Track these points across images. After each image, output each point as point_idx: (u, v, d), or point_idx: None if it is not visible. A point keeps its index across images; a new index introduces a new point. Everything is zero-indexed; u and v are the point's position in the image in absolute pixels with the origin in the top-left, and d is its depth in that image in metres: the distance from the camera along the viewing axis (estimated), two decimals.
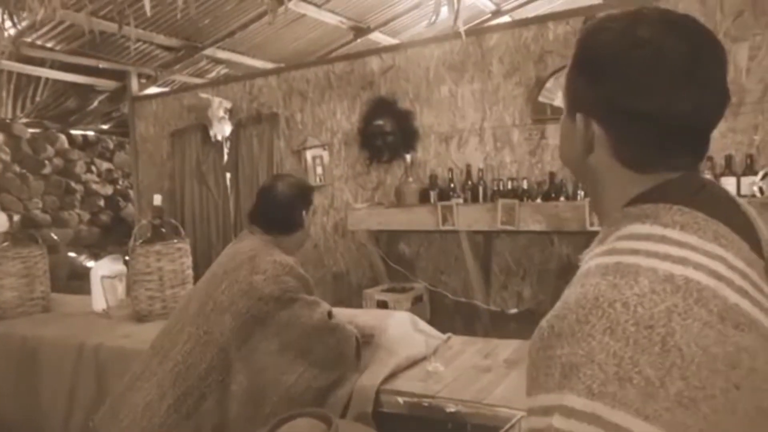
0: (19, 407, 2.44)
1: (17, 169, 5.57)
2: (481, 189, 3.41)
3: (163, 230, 2.63)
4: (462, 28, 2.08)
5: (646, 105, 0.66)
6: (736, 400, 0.53)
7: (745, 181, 2.68)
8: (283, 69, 4.56)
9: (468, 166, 3.47)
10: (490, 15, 6.22)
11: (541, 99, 3.28)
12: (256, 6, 4.99)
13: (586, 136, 0.71)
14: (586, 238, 3.15)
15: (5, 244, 2.93)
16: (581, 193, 3.07)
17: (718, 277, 0.59)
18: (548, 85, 3.24)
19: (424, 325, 2.12)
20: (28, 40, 4.70)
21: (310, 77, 4.22)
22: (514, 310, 3.44)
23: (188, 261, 2.60)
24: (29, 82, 5.31)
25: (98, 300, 2.71)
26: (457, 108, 3.60)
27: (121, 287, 2.73)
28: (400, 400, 1.52)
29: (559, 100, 3.23)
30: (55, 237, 5.47)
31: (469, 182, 3.44)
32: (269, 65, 5.80)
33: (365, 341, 1.71)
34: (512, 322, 3.45)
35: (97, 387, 2.20)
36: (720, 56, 0.69)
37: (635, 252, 0.61)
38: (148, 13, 2.29)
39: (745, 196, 2.65)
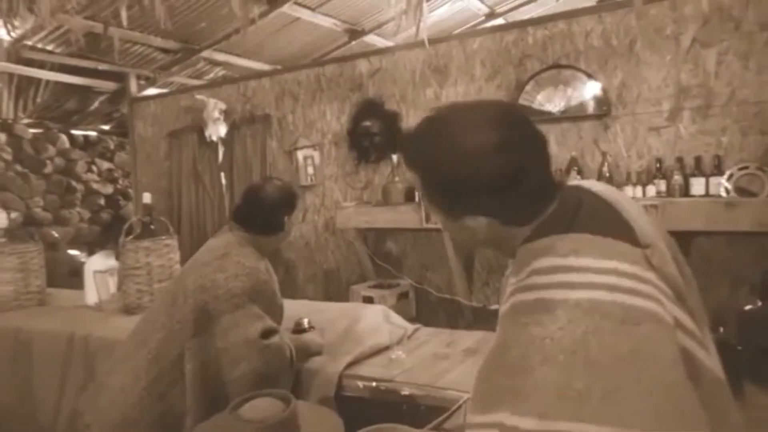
0: (13, 395, 2.56)
1: (19, 168, 5.71)
2: None
3: (152, 227, 2.74)
4: (425, 39, 2.17)
5: (500, 192, 0.83)
6: (646, 384, 0.67)
7: (713, 181, 2.77)
8: (275, 71, 4.67)
9: None
10: (483, 18, 6.32)
11: (521, 101, 3.38)
12: (251, 9, 5.11)
13: (480, 226, 0.87)
14: None
15: (2, 240, 3.05)
16: None
17: (612, 288, 0.73)
18: (528, 87, 3.34)
19: (395, 317, 2.22)
20: (29, 43, 4.84)
21: (302, 79, 4.33)
22: (495, 306, 3.54)
23: (176, 257, 2.71)
24: (30, 83, 5.45)
25: (91, 294, 2.83)
26: None
27: (112, 282, 2.85)
28: (360, 384, 1.63)
29: (537, 103, 3.33)
30: (56, 235, 5.62)
31: None
32: (266, 67, 5.92)
33: (315, 352, 1.77)
34: (493, 317, 3.51)
35: (85, 375, 2.31)
36: (530, 134, 0.87)
37: (548, 287, 0.76)
38: (124, 23, 2.37)
39: (712, 196, 2.75)
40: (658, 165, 2.95)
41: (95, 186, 6.34)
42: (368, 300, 3.57)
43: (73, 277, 5.46)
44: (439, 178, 0.87)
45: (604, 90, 3.14)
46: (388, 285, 3.74)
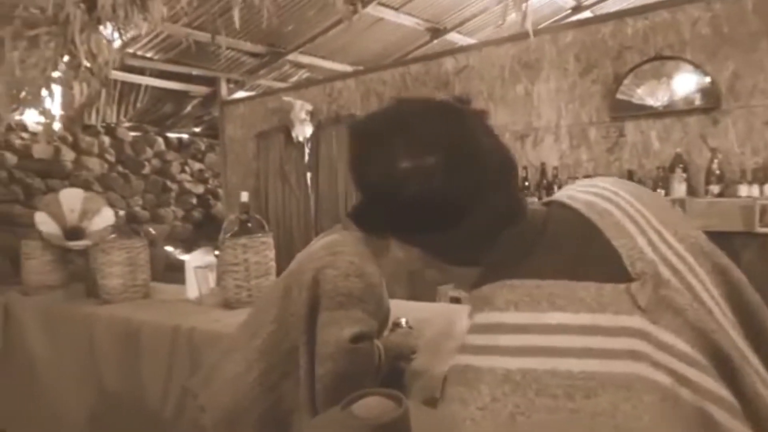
0: (123, 382, 2.72)
1: (120, 169, 6.09)
2: (556, 188, 3.38)
3: (249, 225, 2.83)
4: (530, 28, 2.10)
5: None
6: None
7: None
8: (360, 72, 4.72)
9: (543, 165, 3.46)
10: (570, 11, 6.10)
11: (619, 96, 3.22)
12: (335, 12, 5.20)
13: (410, 258, 0.73)
14: None
15: (112, 236, 3.25)
16: (662, 192, 2.99)
17: (557, 352, 0.57)
18: (626, 81, 3.18)
19: None
20: (131, 51, 5.15)
21: (387, 79, 4.34)
22: None
23: (271, 254, 2.78)
24: (131, 89, 5.80)
25: (192, 288, 2.95)
26: (533, 107, 3.60)
27: (211, 277, 2.96)
28: None
29: (637, 97, 3.16)
30: (154, 232, 5.94)
31: (544, 181, 3.43)
32: (349, 68, 5.99)
33: (406, 355, 1.73)
34: None
35: (190, 365, 2.40)
36: (478, 156, 0.68)
37: (478, 351, 0.61)
38: (237, 26, 2.46)
39: None
40: None
41: (188, 186, 6.65)
42: (455, 301, 3.52)
43: (169, 271, 5.77)
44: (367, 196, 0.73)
45: (713, 81, 2.93)
46: None
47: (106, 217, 3.72)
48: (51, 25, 2.33)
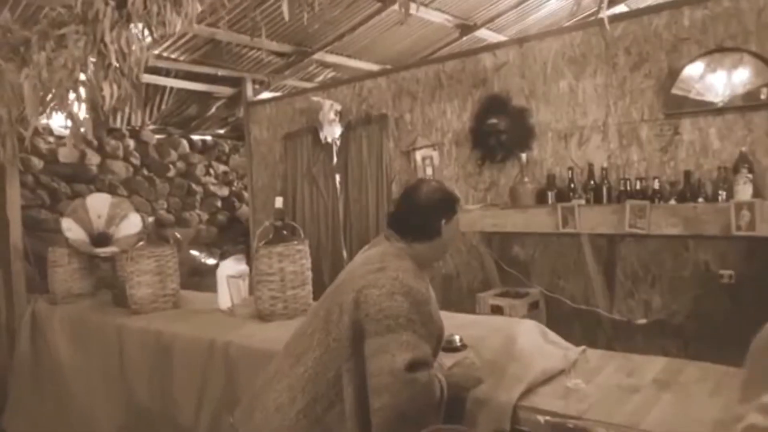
0: (154, 396, 2.60)
1: (145, 172, 6.02)
2: (604, 189, 3.19)
3: (285, 232, 2.69)
4: (605, 16, 1.91)
5: None
6: None
7: None
8: (392, 70, 4.55)
9: (590, 165, 3.26)
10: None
11: (674, 91, 3.01)
12: (364, 9, 5.04)
13: None
14: (727, 244, 2.87)
15: (141, 243, 3.14)
16: (723, 194, 2.78)
17: None
18: (683, 75, 2.97)
19: (554, 335, 1.99)
20: (156, 52, 5.05)
21: (420, 77, 4.17)
22: (642, 321, 3.18)
23: (308, 263, 2.64)
24: (156, 91, 5.71)
25: (224, 298, 2.82)
26: (578, 104, 3.40)
27: (244, 287, 2.83)
28: (541, 419, 1.41)
29: (695, 92, 2.95)
30: (179, 236, 5.85)
31: (592, 182, 3.23)
32: (375, 67, 5.84)
33: (471, 387, 1.57)
34: (639, 334, 3.19)
35: (225, 382, 2.28)
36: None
37: None
38: (286, 18, 2.30)
39: None
40: None
41: (212, 188, 6.56)
42: (497, 310, 3.35)
43: (193, 276, 5.68)
44: None
45: None
46: (517, 293, 3.49)
47: (133, 223, 3.62)
48: (80, 23, 2.21)
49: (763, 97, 2.77)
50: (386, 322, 1.36)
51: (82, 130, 2.66)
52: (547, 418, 1.41)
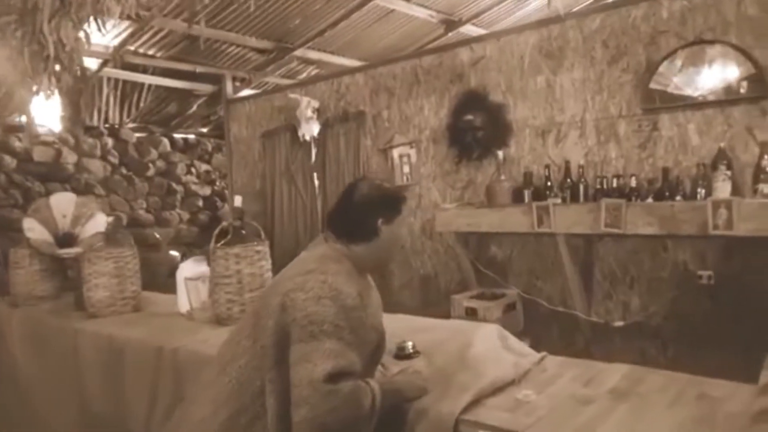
0: (107, 402, 2.50)
1: (124, 171, 5.90)
2: (581, 188, 3.08)
3: (243, 232, 2.58)
4: (560, 6, 1.80)
5: None
6: None
7: None
8: (369, 66, 4.45)
9: (567, 163, 3.16)
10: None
11: (652, 86, 2.91)
12: (344, 4, 4.94)
13: None
14: (706, 244, 2.76)
15: (99, 244, 3.02)
16: (702, 192, 2.68)
17: None
18: (661, 69, 2.86)
19: (514, 341, 1.88)
20: (131, 48, 4.94)
21: (397, 73, 4.07)
22: (619, 323, 3.08)
23: (267, 264, 2.53)
24: (134, 88, 5.60)
25: (183, 301, 2.71)
26: (555, 99, 3.30)
27: (204, 289, 2.72)
28: None
29: (674, 86, 2.84)
30: (158, 236, 5.75)
31: (568, 180, 3.13)
32: (359, 64, 5.73)
33: (414, 398, 1.45)
34: (618, 336, 3.09)
35: (175, 389, 2.18)
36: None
37: None
38: (252, 8, 2.18)
39: None
40: None
41: (194, 188, 6.45)
42: (471, 312, 3.24)
43: (172, 277, 5.57)
44: None
45: (762, 68, 2.61)
46: (493, 295, 3.38)
47: (100, 223, 3.51)
48: (19, 14, 2.09)
49: (742, 90, 2.66)
50: (310, 328, 1.25)
51: (45, 127, 2.55)
52: None
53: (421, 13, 5.31)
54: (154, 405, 2.29)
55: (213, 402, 1.36)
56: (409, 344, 1.80)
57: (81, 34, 2.01)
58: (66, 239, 3.43)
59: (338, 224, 1.49)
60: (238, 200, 2.72)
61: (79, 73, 2.07)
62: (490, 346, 1.79)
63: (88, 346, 2.62)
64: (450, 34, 5.63)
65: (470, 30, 5.66)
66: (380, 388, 1.34)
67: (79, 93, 2.23)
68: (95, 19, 2.13)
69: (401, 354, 1.77)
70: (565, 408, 1.37)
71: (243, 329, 1.45)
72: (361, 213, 1.46)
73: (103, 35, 4.72)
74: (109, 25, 4.57)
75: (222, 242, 2.50)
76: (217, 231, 2.56)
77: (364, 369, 1.37)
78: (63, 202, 3.53)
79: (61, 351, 2.75)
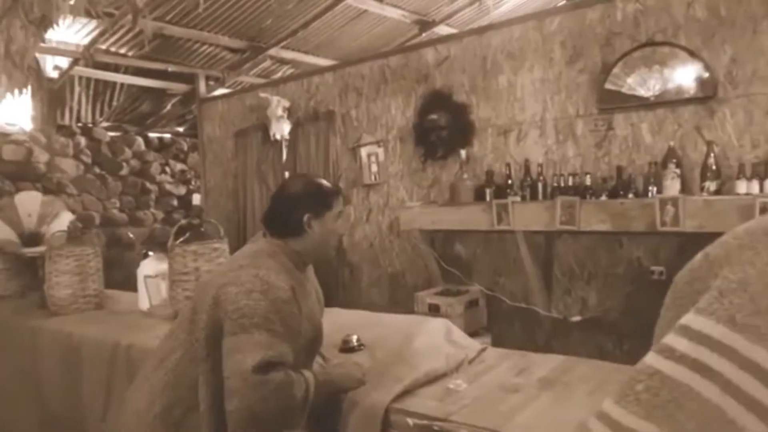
0: (65, 400, 2.51)
1: (97, 170, 5.88)
2: (540, 186, 3.14)
3: (202, 230, 2.60)
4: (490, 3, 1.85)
5: None
6: None
7: None
8: (338, 65, 4.48)
9: (527, 162, 3.22)
10: (564, 1, 5.85)
11: (607, 86, 2.97)
12: (316, 4, 4.97)
13: None
14: (659, 240, 2.83)
15: (61, 243, 3.03)
16: (653, 189, 2.75)
17: None
18: (616, 70, 2.93)
19: (458, 334, 1.93)
20: (102, 47, 4.93)
21: (365, 72, 4.11)
22: (577, 318, 3.14)
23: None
24: (107, 87, 5.58)
25: (143, 299, 2.73)
26: (516, 99, 3.36)
27: (164, 286, 2.74)
28: (410, 421, 1.35)
29: (627, 87, 2.91)
30: (132, 236, 5.72)
31: (528, 178, 3.19)
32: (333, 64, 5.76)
33: (349, 388, 1.49)
34: (576, 331, 3.16)
35: (128, 385, 2.19)
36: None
37: None
38: (201, 9, 2.21)
39: None
40: None
41: (168, 187, 6.43)
42: (434, 308, 3.29)
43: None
44: None
45: (709, 69, 2.68)
46: (457, 292, 3.44)
47: (64, 222, 3.50)
48: None
49: (692, 91, 2.74)
50: (241, 321, 1.29)
51: (16, 126, 2.55)
52: (415, 420, 1.34)
53: (394, 13, 5.36)
54: (109, 401, 2.31)
55: (149, 394, 1.39)
56: (354, 338, 1.84)
57: (32, 32, 2.02)
58: (32, 238, 3.43)
59: (270, 220, 1.52)
60: (196, 198, 2.75)
61: (33, 71, 2.08)
62: (434, 339, 1.84)
63: (47, 344, 2.62)
64: (424, 35, 5.68)
65: (444, 31, 5.71)
66: (314, 379, 1.38)
67: (48, 92, 2.23)
68: (44, 17, 2.14)
69: (345, 347, 1.81)
70: (492, 396, 1.42)
71: (181, 323, 1.48)
72: (288, 208, 1.50)
73: (75, 33, 4.73)
74: (77, 24, 4.59)
75: (180, 240, 2.52)
76: (175, 229, 2.59)
77: (300, 361, 1.40)
78: (28, 201, 3.52)
79: (22, 349, 2.75)
